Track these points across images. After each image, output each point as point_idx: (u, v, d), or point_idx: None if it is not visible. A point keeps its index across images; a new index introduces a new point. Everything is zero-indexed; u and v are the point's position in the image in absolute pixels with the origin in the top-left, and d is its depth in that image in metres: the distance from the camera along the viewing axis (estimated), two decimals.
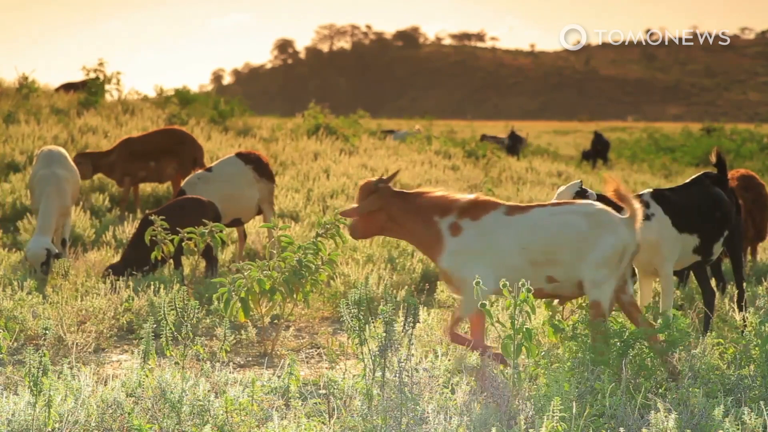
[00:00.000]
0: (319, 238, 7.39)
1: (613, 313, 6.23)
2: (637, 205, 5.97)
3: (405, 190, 6.37)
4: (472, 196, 6.17)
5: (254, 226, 11.27)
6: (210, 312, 7.80)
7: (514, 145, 27.10)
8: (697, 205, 7.20)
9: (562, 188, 6.98)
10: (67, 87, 23.04)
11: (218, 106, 23.15)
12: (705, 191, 7.31)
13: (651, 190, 7.26)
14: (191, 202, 9.49)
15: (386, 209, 6.23)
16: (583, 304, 6.37)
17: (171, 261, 9.12)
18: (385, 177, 6.40)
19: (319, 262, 7.30)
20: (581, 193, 6.81)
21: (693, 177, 7.57)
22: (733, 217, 7.43)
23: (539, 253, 5.92)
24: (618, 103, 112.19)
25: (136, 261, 8.96)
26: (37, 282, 8.41)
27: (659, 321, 5.83)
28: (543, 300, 6.48)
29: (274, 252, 7.39)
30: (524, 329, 5.22)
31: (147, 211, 10.24)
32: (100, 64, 22.53)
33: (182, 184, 10.78)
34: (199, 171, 10.95)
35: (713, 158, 7.62)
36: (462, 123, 47.43)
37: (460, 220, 6.02)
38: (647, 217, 6.97)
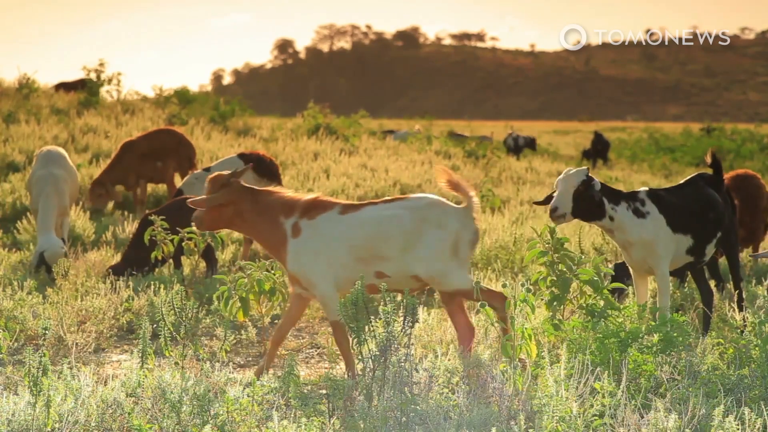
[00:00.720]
0: None
1: (614, 312, 6.24)
2: (473, 193, 6.06)
3: (256, 187, 6.42)
4: (312, 196, 6.26)
5: None
6: (210, 312, 7.80)
7: (525, 145, 27.11)
8: (691, 206, 7.20)
9: (570, 170, 6.95)
10: (61, 86, 23.00)
11: (218, 106, 23.15)
12: (699, 192, 7.31)
13: (646, 189, 7.25)
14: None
15: (235, 204, 6.26)
16: (583, 304, 6.37)
17: (171, 261, 9.12)
18: (237, 171, 6.43)
19: None
20: (587, 181, 6.80)
21: (688, 177, 7.58)
22: (728, 218, 7.43)
23: (364, 250, 6.03)
24: (618, 103, 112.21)
25: (137, 261, 8.97)
26: (37, 282, 8.41)
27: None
28: (543, 300, 6.48)
29: None
30: (524, 329, 5.22)
31: (146, 211, 10.24)
32: (101, 64, 22.54)
33: (181, 184, 10.78)
34: (197, 171, 10.95)
35: (708, 159, 7.62)
36: (462, 123, 47.39)
37: (300, 220, 6.11)
38: (643, 216, 6.97)
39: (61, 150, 10.51)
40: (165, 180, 13.37)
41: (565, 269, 6.53)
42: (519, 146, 26.90)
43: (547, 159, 25.30)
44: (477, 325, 7.12)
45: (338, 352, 7.06)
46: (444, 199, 6.18)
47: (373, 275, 6.03)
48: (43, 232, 9.53)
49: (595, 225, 7.09)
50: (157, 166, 13.05)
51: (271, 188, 6.40)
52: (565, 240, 6.67)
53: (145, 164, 13.03)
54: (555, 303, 6.43)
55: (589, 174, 6.87)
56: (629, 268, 7.24)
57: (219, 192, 6.27)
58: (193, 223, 6.47)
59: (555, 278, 6.52)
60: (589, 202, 6.75)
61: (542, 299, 6.51)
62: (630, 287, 8.03)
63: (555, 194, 6.79)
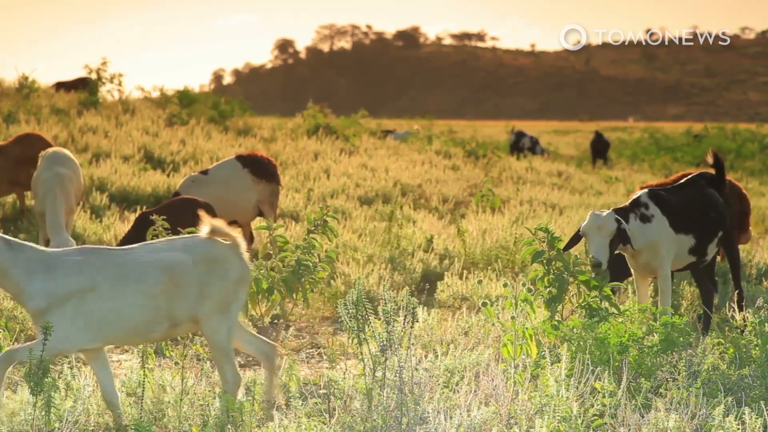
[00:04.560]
0: (311, 235, 7.40)
1: (614, 314, 6.24)
2: None
3: None
4: None
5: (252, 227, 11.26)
6: None
7: (533, 146, 27.13)
8: (693, 206, 7.19)
9: (598, 216, 6.85)
10: (61, 86, 22.94)
11: (219, 106, 23.16)
12: (700, 192, 7.30)
13: (647, 190, 7.20)
14: (187, 203, 9.48)
15: None
16: (583, 304, 6.37)
17: None
18: None
19: (316, 260, 7.30)
20: (620, 226, 6.74)
21: (689, 177, 7.55)
22: (728, 218, 7.42)
23: None
24: (618, 103, 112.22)
25: None
26: None
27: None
28: (542, 299, 6.48)
29: (271, 252, 7.40)
30: (524, 329, 5.22)
31: (145, 210, 10.21)
32: (104, 63, 22.51)
33: (178, 186, 10.75)
34: (194, 174, 10.91)
35: (710, 159, 7.61)
36: (462, 123, 47.39)
37: None
38: (648, 220, 6.96)
39: (66, 151, 10.49)
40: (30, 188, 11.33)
41: (561, 267, 6.52)
42: (528, 147, 26.88)
43: (548, 159, 25.29)
44: (476, 325, 7.13)
45: (338, 352, 7.06)
46: None
47: None
48: (55, 232, 9.48)
49: None
50: (30, 173, 10.92)
51: None
52: (560, 239, 6.66)
53: (21, 171, 11.52)
54: (554, 303, 6.43)
55: (617, 217, 6.80)
56: (631, 269, 7.23)
57: None
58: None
59: (552, 277, 6.52)
60: (623, 242, 6.77)
61: (541, 298, 6.51)
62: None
63: (589, 245, 6.71)
